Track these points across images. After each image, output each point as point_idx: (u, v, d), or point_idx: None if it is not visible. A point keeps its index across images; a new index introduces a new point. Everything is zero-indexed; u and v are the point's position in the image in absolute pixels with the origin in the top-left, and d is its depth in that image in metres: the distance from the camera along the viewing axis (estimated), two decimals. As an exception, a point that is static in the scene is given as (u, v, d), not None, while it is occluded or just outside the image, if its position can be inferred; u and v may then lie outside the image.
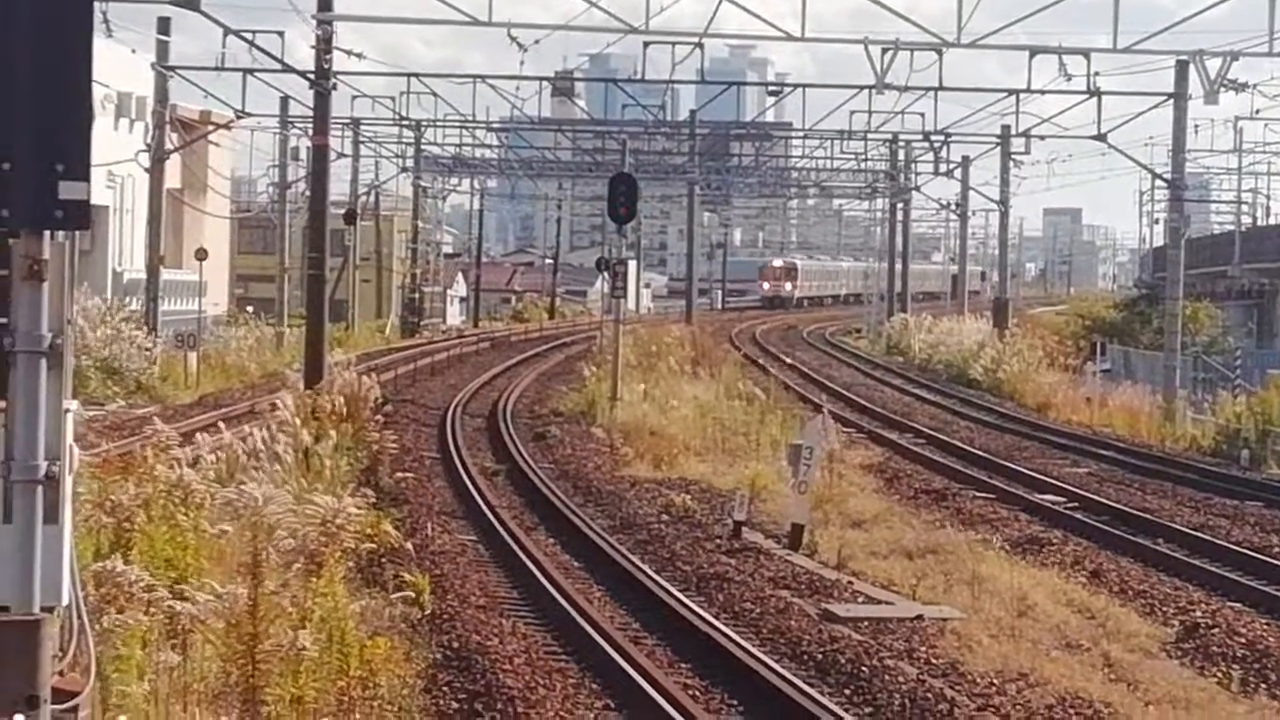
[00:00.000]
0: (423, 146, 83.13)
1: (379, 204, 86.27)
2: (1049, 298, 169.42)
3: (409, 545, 20.59)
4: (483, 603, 19.99)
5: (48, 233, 7.30)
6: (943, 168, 78.07)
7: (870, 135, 70.06)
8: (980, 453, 38.66)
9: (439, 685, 16.05)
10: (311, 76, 39.25)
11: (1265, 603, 22.02)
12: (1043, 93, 50.69)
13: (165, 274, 55.52)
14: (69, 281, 7.37)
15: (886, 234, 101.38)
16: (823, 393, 53.25)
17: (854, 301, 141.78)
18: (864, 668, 17.06)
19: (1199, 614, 20.88)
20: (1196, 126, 72.55)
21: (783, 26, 40.54)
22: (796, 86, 61.71)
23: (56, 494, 7.31)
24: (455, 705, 15.53)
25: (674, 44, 44.18)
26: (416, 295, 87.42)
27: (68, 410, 7.38)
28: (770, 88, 79.35)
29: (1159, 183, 69.91)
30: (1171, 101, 50.96)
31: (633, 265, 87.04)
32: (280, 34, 45.21)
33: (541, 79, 65.33)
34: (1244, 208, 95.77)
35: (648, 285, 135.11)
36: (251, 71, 49.61)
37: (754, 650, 17.61)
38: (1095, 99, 49.61)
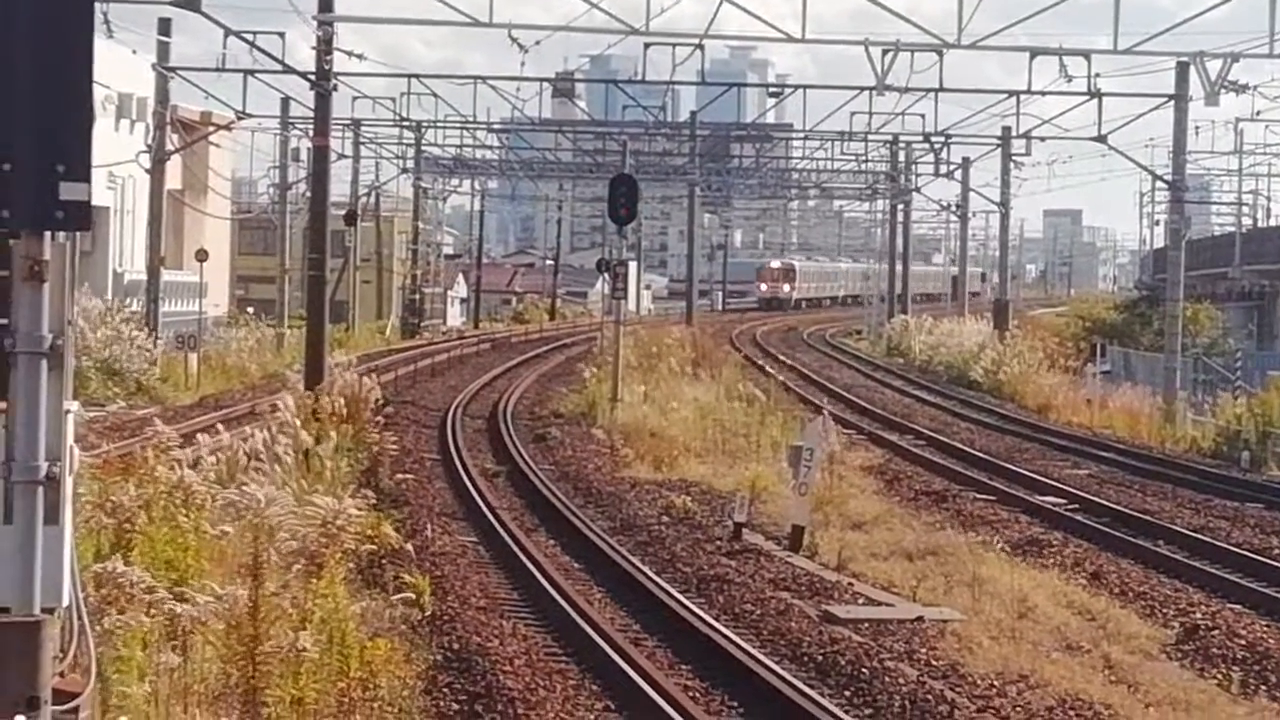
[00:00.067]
0: (423, 147, 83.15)
1: (379, 205, 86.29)
2: (1049, 299, 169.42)
3: (409, 547, 20.58)
4: (483, 604, 19.99)
5: (48, 233, 7.30)
6: (943, 169, 78.10)
7: (871, 136, 70.05)
8: (980, 454, 38.65)
9: (439, 687, 16.05)
10: (312, 77, 39.24)
11: (1265, 604, 22.02)
12: (1043, 94, 50.75)
13: (166, 275, 55.52)
14: (70, 282, 7.37)
15: (887, 235, 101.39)
16: (823, 394, 53.24)
17: (852, 303, 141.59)
18: (864, 669, 17.06)
19: (1199, 615, 20.88)
20: (1197, 128, 72.55)
21: (783, 28, 40.55)
22: (797, 88, 61.75)
23: (57, 495, 7.31)
24: (455, 707, 15.52)
25: (674, 45, 44.20)
26: (417, 296, 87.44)
27: (68, 411, 7.38)
28: (771, 89, 79.44)
29: (1159, 184, 69.96)
30: (1172, 103, 50.98)
31: (633, 266, 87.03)
32: (281, 35, 45.25)
33: (542, 80, 65.34)
34: (1244, 209, 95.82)
35: (648, 286, 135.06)
36: (252, 72, 49.62)
37: (754, 652, 17.60)
38: (1096, 100, 49.63)
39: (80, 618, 7.58)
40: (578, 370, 53.17)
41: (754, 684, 16.32)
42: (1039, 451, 40.77)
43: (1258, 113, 75.88)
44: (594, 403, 44.07)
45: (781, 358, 74.80)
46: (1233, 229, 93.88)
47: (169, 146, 52.97)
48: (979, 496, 31.55)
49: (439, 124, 74.13)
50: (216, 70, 49.54)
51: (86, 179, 7.30)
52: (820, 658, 17.70)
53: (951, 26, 40.60)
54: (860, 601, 21.10)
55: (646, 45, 43.16)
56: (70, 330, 7.35)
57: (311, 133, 44.91)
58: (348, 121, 73.00)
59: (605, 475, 32.83)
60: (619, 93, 69.47)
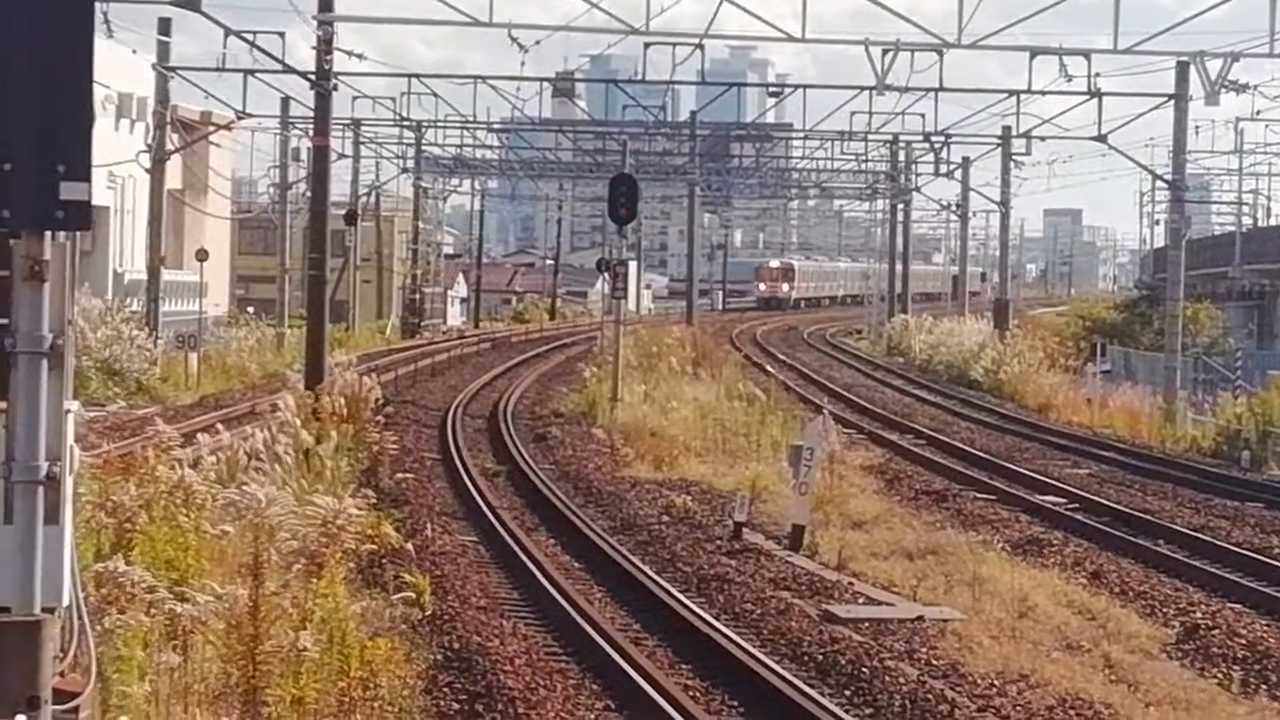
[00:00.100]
0: (423, 147, 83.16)
1: (380, 205, 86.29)
2: (1049, 299, 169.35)
3: (409, 546, 20.59)
4: (483, 604, 19.99)
5: (49, 233, 7.30)
6: (943, 169, 78.09)
7: (871, 136, 70.04)
8: (981, 454, 38.65)
9: (439, 686, 16.05)
10: (312, 77, 39.23)
11: (1266, 604, 22.02)
12: (1043, 93, 50.75)
13: (166, 275, 55.53)
14: (70, 282, 7.38)
15: (887, 235, 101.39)
16: (823, 393, 53.24)
17: (851, 303, 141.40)
18: (864, 669, 17.06)
19: (1199, 615, 20.88)
20: (1197, 127, 72.54)
21: (783, 27, 40.55)
22: (797, 87, 61.73)
23: (57, 495, 7.31)
24: (456, 706, 15.52)
25: (674, 45, 44.19)
26: (417, 296, 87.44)
27: (68, 411, 7.38)
28: (771, 89, 79.48)
29: (1160, 184, 69.94)
30: (1172, 102, 50.98)
31: (633, 266, 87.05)
32: (281, 35, 45.27)
33: (542, 80, 65.35)
34: (1245, 209, 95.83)
35: (648, 286, 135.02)
36: (252, 72, 49.62)
37: (755, 651, 17.60)
38: (1096, 100, 49.63)
39: (80, 617, 7.58)
40: (578, 370, 53.19)
41: (754, 684, 16.32)
42: (1039, 451, 40.78)
43: (1258, 112, 75.98)
44: (594, 402, 44.07)
45: (781, 357, 74.82)
46: (1233, 228, 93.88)
47: (169, 146, 52.97)
48: (979, 496, 31.55)
49: (439, 124, 74.16)
50: (216, 70, 49.56)
51: (87, 179, 7.30)
52: (820, 657, 17.70)
53: (951, 26, 40.65)
54: (860, 601, 21.10)
55: (646, 45, 43.17)
56: (70, 330, 7.36)
57: (311, 132, 44.91)
58: (348, 121, 73.01)
59: (605, 475, 32.83)
60: (619, 92, 69.46)
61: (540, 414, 45.04)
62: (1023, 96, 54.98)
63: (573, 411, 44.45)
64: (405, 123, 72.22)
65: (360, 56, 47.94)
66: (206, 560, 14.96)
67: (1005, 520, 28.52)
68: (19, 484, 7.27)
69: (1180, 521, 29.01)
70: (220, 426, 24.48)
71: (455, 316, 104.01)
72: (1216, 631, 19.81)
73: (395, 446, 31.91)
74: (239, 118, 57.95)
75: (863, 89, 52.67)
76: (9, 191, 7.20)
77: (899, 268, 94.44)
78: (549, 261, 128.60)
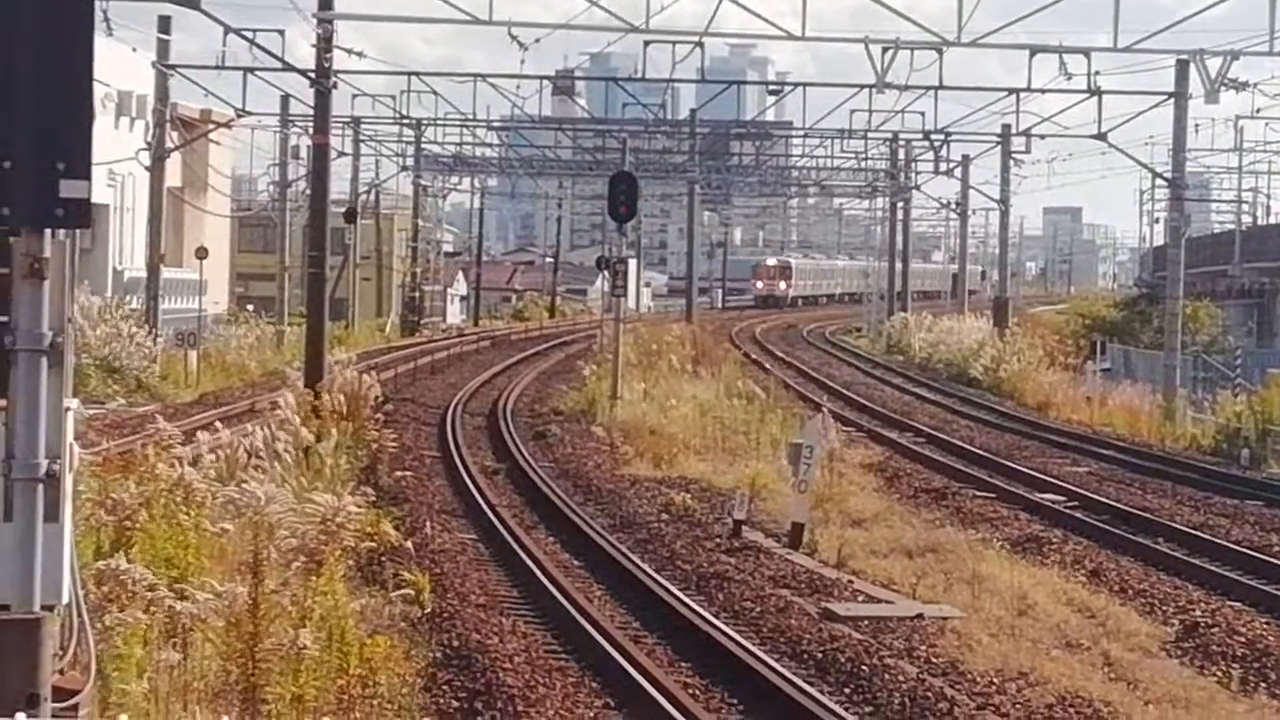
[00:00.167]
0: (423, 145, 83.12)
1: (379, 202, 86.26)
2: (1049, 297, 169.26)
3: (409, 544, 20.59)
4: (482, 601, 19.99)
5: (48, 231, 7.31)
6: (943, 167, 78.05)
7: (870, 134, 70.01)
8: (980, 452, 38.66)
9: (439, 684, 16.05)
10: (312, 75, 39.21)
11: (1265, 602, 22.03)
12: (1043, 92, 50.71)
13: (166, 272, 55.52)
14: (69, 280, 7.39)
15: (887, 233, 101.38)
16: (823, 392, 53.25)
17: (850, 301, 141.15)
18: (864, 666, 17.07)
19: (1199, 613, 20.89)
20: (1197, 125, 72.57)
21: (783, 25, 40.54)
22: (797, 85, 61.71)
23: (57, 492, 7.32)
24: (455, 704, 15.53)
25: (674, 43, 44.17)
26: (417, 294, 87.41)
27: (68, 408, 7.39)
28: (770, 87, 79.35)
29: (1159, 182, 69.89)
30: (1172, 100, 50.96)
31: (633, 264, 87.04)
32: (281, 32, 45.30)
33: (542, 78, 65.42)
34: (1244, 207, 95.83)
35: (648, 284, 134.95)
36: (252, 70, 49.60)
37: (754, 649, 17.61)
38: (1095, 98, 49.62)
39: (80, 615, 7.58)
40: (577, 368, 53.18)
41: (754, 682, 16.33)
42: (1039, 449, 40.78)
43: (1257, 110, 76.07)
44: (594, 400, 44.07)
45: (781, 355, 74.83)
46: (1232, 226, 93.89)
47: (169, 144, 52.97)
48: (979, 494, 31.56)
49: (439, 122, 74.16)
50: (216, 68, 49.56)
51: (86, 176, 7.31)
52: (820, 655, 17.71)
53: (951, 24, 40.63)
54: (860, 599, 21.11)
55: (646, 43, 43.16)
56: (70, 328, 7.37)
57: (311, 130, 44.85)
58: (347, 119, 73.00)
59: (605, 472, 32.83)
60: (619, 90, 69.41)
61: (540, 412, 45.04)
62: (1022, 95, 55.00)
63: (572, 409, 44.46)
64: (405, 121, 72.21)
65: (360, 54, 47.97)
66: (206, 558, 14.97)
67: (1005, 518, 28.52)
68: (19, 481, 7.28)
69: (1180, 520, 29.01)
70: (220, 424, 24.49)
71: (455, 314, 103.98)
72: (1216, 629, 19.82)
73: (395, 444, 31.92)
74: (239, 115, 57.94)
75: (862, 87, 52.67)
76: (9, 189, 7.22)
77: (899, 266, 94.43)
78: (549, 259, 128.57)
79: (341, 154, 73.90)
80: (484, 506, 27.02)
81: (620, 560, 22.68)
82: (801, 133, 78.32)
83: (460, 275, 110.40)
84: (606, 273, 55.11)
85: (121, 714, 11.24)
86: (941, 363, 69.60)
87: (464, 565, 22.43)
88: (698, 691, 16.25)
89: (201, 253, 55.90)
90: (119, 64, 55.96)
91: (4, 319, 7.29)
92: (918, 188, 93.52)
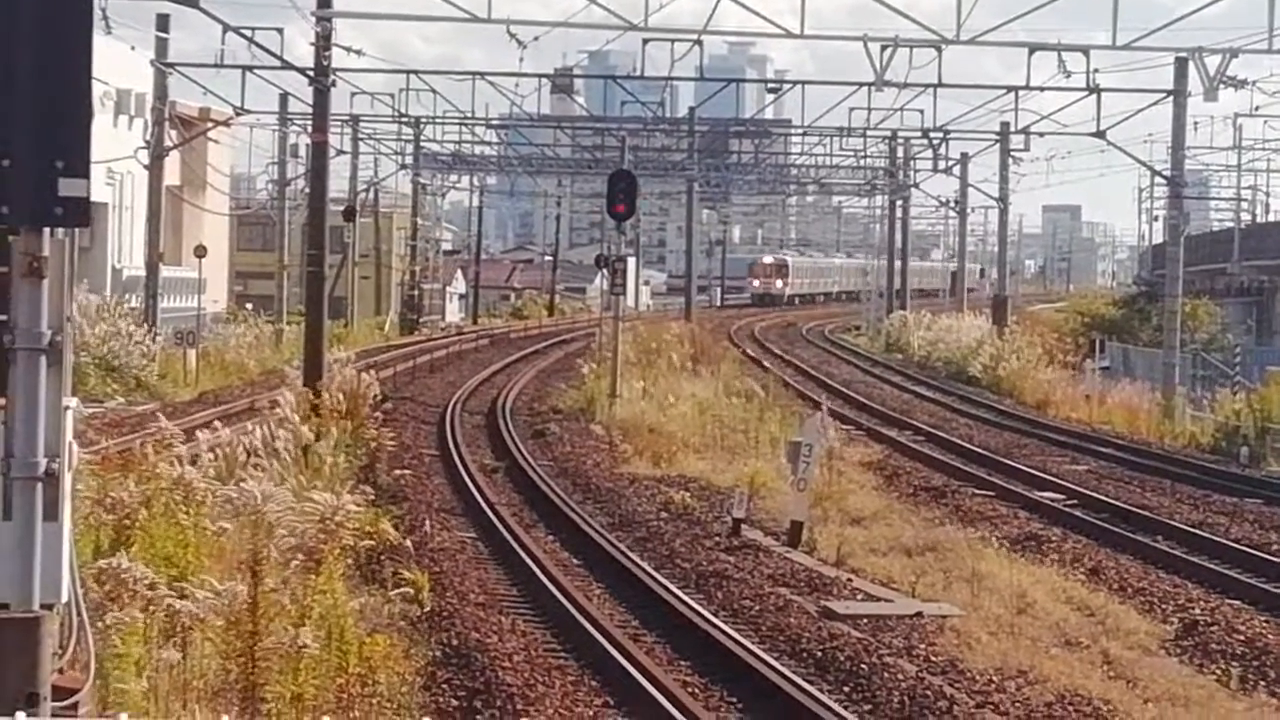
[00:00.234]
0: (422, 143, 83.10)
1: (378, 201, 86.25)
2: (1048, 295, 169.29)
3: (408, 542, 20.59)
4: (482, 600, 19.99)
5: (47, 230, 7.30)
6: (942, 164, 78.04)
7: (869, 132, 70.05)
8: (979, 450, 38.65)
9: (438, 682, 16.05)
10: (310, 73, 39.19)
11: (1264, 600, 22.02)
12: (1042, 89, 50.70)
13: (165, 271, 55.52)
14: (68, 279, 7.39)
15: (886, 231, 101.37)
16: (822, 390, 53.24)
17: (847, 299, 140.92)
18: (863, 665, 17.06)
19: (1198, 611, 20.89)
20: (1196, 123, 72.60)
21: (782, 23, 40.53)
22: (795, 83, 61.66)
23: (56, 491, 7.32)
24: (454, 703, 15.52)
25: (673, 41, 44.18)
26: (416, 292, 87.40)
27: (67, 407, 7.39)
28: (769, 84, 79.29)
29: (1158, 180, 69.95)
30: (1171, 98, 50.96)
31: (632, 262, 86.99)
32: (279, 31, 45.31)
33: (541, 76, 65.50)
34: (1243, 205, 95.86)
35: (647, 282, 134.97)
36: (251, 68, 49.57)
37: (753, 647, 17.61)
38: (1094, 96, 49.62)
39: (79, 614, 7.58)
40: (576, 366, 53.16)
41: (753, 680, 16.32)
42: (1038, 447, 40.77)
43: (1256, 108, 75.98)
44: (593, 398, 44.06)
45: (780, 353, 74.82)
46: (1232, 224, 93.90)
47: (168, 142, 52.96)
48: (978, 492, 31.56)
49: (438, 120, 74.18)
50: (215, 66, 49.55)
51: (85, 175, 7.31)
52: (819, 653, 17.70)
53: (950, 22, 40.62)
54: (859, 597, 21.10)
55: (645, 41, 43.16)
56: (69, 326, 7.36)
57: (310, 128, 44.86)
58: (346, 117, 72.99)
59: (604, 471, 32.83)
60: (618, 88, 69.54)
61: (539, 410, 45.04)
62: (1021, 92, 55.04)
63: (571, 408, 44.45)
64: (404, 119, 72.21)
65: (359, 53, 47.89)
66: (206, 557, 14.96)
67: (1004, 516, 28.52)
68: (18, 480, 7.27)
69: (1179, 517, 29.01)
70: (219, 423, 24.48)
71: (454, 313, 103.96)
72: (1215, 627, 19.82)
73: (394, 443, 31.92)
74: (237, 114, 57.92)
75: (861, 85, 52.64)
76: (8, 188, 7.22)
77: (898, 264, 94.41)
78: (548, 258, 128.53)
79: (340, 152, 73.93)
80: (483, 505, 27.02)
81: (619, 559, 22.68)
82: (800, 131, 78.38)
83: (459, 273, 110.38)
84: (605, 271, 55.08)
85: (121, 713, 11.24)
86: (940, 361, 69.60)
87: (463, 564, 22.43)
88: (697, 690, 16.25)
89: (200, 251, 55.89)
90: (118, 62, 55.93)
91: (3, 317, 7.28)
92: (917, 185, 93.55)
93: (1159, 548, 25.79)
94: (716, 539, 25.01)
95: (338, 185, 74.29)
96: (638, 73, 49.73)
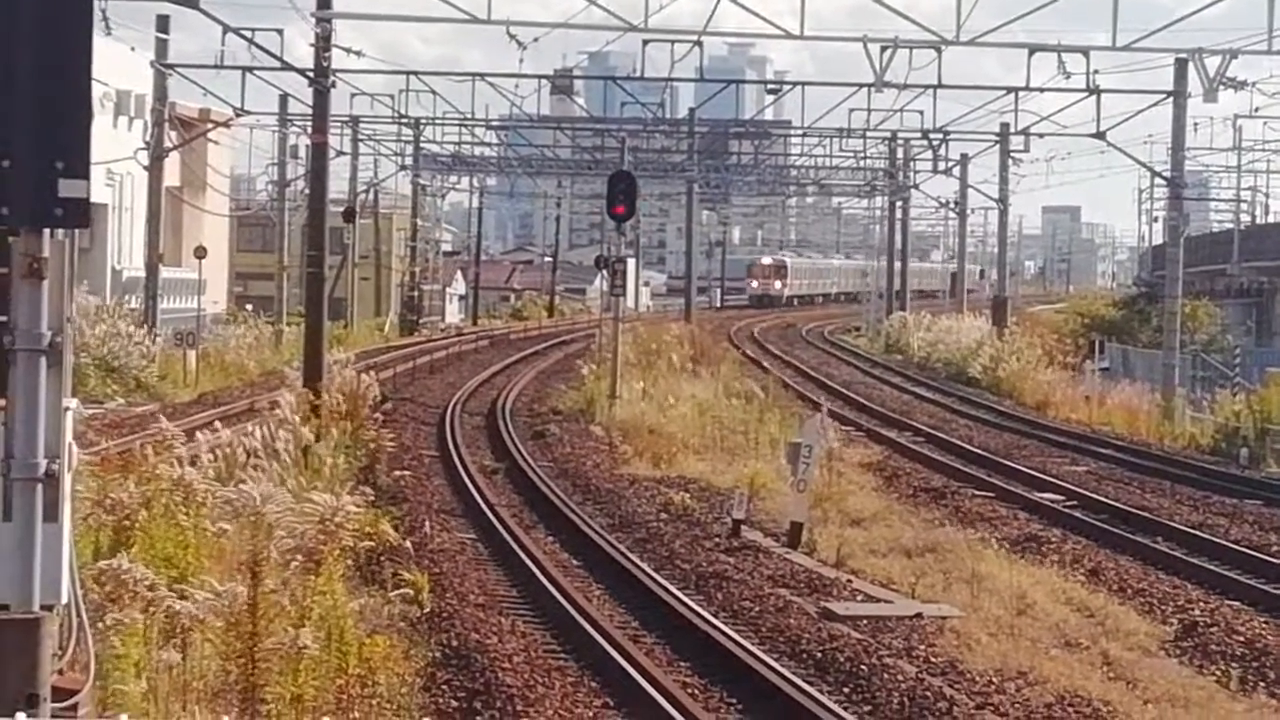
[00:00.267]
0: (422, 144, 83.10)
1: (378, 202, 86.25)
2: (1048, 296, 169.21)
3: (408, 543, 20.59)
4: (482, 601, 19.99)
5: (47, 230, 7.30)
6: (941, 166, 78.04)
7: (869, 133, 70.05)
8: (979, 451, 38.66)
9: (438, 683, 16.05)
10: (310, 74, 39.19)
11: (1264, 601, 22.02)
12: (1042, 90, 50.69)
13: (164, 272, 55.51)
14: (68, 279, 7.39)
15: (885, 232, 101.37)
16: (822, 391, 53.24)
17: (846, 300, 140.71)
18: (863, 666, 17.06)
19: (1198, 612, 20.89)
20: (1195, 124, 72.54)
21: (782, 24, 40.53)
22: (795, 84, 61.68)
23: (56, 492, 7.32)
24: (454, 704, 15.52)
25: (673, 42, 44.19)
26: (415, 293, 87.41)
27: (67, 408, 7.39)
28: (769, 86, 79.34)
29: (1158, 181, 69.95)
30: (1170, 99, 50.96)
31: (632, 263, 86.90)
32: (279, 32, 45.27)
33: (540, 77, 65.38)
34: (1243, 206, 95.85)
35: (647, 283, 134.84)
36: (250, 69, 49.56)
37: (753, 649, 17.60)
38: (1094, 97, 49.62)
39: (79, 615, 7.58)
40: (576, 367, 53.16)
41: (753, 681, 16.32)
42: (1037, 448, 40.77)
43: (1256, 109, 76.02)
44: (592, 399, 44.06)
45: (780, 354, 74.82)
46: (1231, 225, 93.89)
47: (167, 143, 52.96)
48: (977, 493, 31.55)
49: (437, 121, 74.17)
50: (215, 67, 49.53)
51: (85, 176, 7.31)
52: (819, 655, 17.70)
53: (950, 23, 40.63)
54: (859, 598, 21.11)
55: (645, 42, 43.17)
56: (69, 327, 7.36)
57: (310, 130, 44.87)
58: (346, 118, 72.99)
59: (604, 472, 32.82)
60: (617, 89, 69.55)
61: (539, 411, 45.03)
62: (1021, 93, 55.02)
63: (571, 409, 44.45)
64: (404, 120, 72.19)
65: (358, 54, 47.92)
66: (205, 558, 14.96)
67: (1003, 517, 28.52)
68: (18, 481, 7.27)
69: (1179, 519, 29.01)
70: (219, 424, 24.48)
71: (454, 314, 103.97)
72: (1215, 629, 19.82)
73: (393, 444, 31.92)
74: (237, 115, 57.91)
75: (861, 86, 52.66)
76: (8, 189, 7.22)
77: (897, 265, 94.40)
78: (547, 259, 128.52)
79: (340, 153, 73.92)
80: (483, 506, 27.02)
81: (619, 560, 22.68)
82: (800, 132, 78.37)
83: (459, 274, 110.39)
84: (605, 272, 55.07)
85: (121, 714, 11.24)
86: (940, 362, 69.61)
87: (463, 565, 22.43)
88: (697, 691, 16.25)
89: (200, 252, 55.88)
90: (117, 63, 55.94)
91: (3, 319, 7.28)
92: (916, 187, 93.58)
93: (1159, 549, 25.80)
94: (716, 540, 25.01)
95: (337, 186, 74.36)
96: (637, 74, 49.72)
